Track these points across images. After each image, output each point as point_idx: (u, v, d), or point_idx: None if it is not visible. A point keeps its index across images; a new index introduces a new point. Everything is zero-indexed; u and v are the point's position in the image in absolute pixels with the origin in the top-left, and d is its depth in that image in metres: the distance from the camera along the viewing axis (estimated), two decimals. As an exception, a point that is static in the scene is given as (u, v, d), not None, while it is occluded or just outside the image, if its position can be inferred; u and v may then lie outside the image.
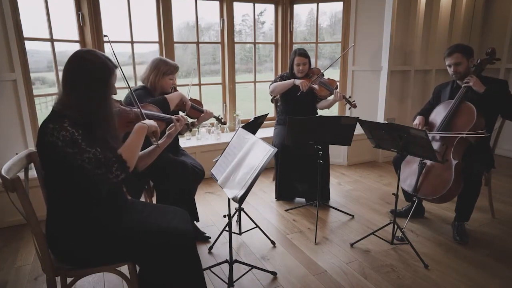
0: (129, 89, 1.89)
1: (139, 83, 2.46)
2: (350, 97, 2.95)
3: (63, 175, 1.35)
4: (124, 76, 1.87)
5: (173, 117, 1.84)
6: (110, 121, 1.42)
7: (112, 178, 1.32)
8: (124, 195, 1.62)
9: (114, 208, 1.49)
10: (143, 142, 1.50)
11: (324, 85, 3.04)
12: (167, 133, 1.76)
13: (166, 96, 2.25)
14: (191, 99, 2.58)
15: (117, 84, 1.47)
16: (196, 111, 2.56)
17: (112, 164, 1.32)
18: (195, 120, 2.60)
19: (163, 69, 2.33)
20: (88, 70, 1.33)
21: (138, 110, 1.76)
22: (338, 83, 3.56)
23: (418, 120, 2.60)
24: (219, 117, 2.87)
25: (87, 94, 1.33)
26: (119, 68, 1.49)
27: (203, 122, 2.75)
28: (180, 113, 2.52)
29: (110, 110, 1.41)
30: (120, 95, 1.92)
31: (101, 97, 1.37)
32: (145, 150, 1.66)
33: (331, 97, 3.06)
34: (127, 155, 1.38)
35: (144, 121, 1.55)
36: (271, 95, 3.38)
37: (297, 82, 3.00)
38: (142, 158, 1.64)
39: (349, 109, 2.95)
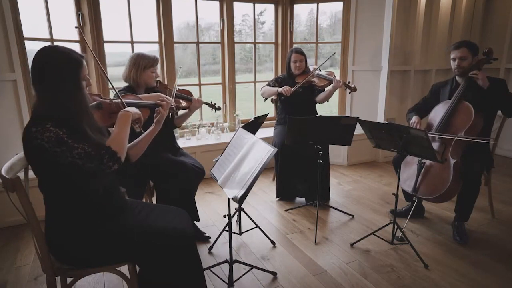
0: (114, 89, 1.88)
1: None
2: (349, 82, 3.05)
3: (56, 177, 1.34)
4: (107, 77, 1.90)
5: (156, 102, 1.84)
6: (88, 113, 1.41)
7: (105, 169, 1.31)
8: (120, 195, 1.61)
9: (111, 208, 1.49)
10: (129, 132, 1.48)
11: (322, 76, 3.17)
12: (154, 120, 1.73)
13: (140, 96, 2.15)
14: (179, 90, 2.51)
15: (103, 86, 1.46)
16: (184, 100, 2.49)
17: (103, 156, 1.31)
18: (181, 104, 2.53)
19: (143, 63, 2.29)
20: (56, 66, 1.31)
21: (119, 100, 1.73)
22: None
23: (415, 119, 2.62)
24: (212, 103, 2.75)
25: (60, 89, 1.31)
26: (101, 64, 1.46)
27: (196, 112, 2.64)
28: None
29: (85, 102, 1.39)
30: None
31: (74, 90, 1.34)
32: (133, 141, 1.66)
33: (329, 87, 3.10)
34: (116, 145, 1.36)
35: (126, 109, 1.53)
36: (262, 97, 3.36)
37: (280, 89, 3.05)
38: (131, 148, 1.63)
39: (350, 93, 3.09)
